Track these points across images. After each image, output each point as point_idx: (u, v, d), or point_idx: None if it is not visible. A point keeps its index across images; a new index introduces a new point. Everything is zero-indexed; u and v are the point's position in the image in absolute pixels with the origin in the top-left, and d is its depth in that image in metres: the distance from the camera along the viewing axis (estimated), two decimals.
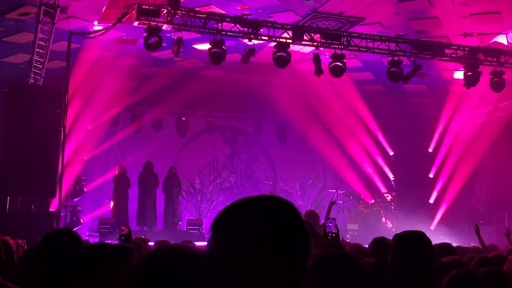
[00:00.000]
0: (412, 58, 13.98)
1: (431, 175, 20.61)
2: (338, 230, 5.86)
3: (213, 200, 20.30)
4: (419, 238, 3.83)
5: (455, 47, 14.08)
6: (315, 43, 13.31)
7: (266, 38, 12.98)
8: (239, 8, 12.71)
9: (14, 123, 12.94)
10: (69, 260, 3.34)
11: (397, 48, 13.77)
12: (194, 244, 8.16)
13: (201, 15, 12.18)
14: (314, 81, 16.86)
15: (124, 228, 5.82)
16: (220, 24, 12.41)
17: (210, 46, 12.59)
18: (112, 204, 17.09)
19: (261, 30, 12.72)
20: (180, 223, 17.58)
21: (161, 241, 7.83)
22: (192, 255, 1.68)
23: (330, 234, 5.76)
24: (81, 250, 3.40)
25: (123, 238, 5.78)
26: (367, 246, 6.53)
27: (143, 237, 9.37)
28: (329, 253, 2.96)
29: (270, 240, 1.49)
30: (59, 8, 11.10)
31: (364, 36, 13.51)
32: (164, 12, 11.77)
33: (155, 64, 16.53)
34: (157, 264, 1.68)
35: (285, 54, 13.06)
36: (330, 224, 5.89)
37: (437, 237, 16.13)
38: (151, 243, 8.88)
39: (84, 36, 13.00)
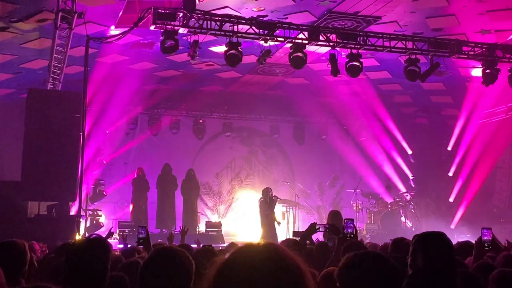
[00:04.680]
0: (429, 56, 13.88)
1: (450, 174, 20.45)
2: (356, 231, 5.85)
3: (232, 202, 20.36)
4: (440, 238, 3.81)
5: (473, 45, 13.94)
6: (331, 43, 13.26)
7: (282, 39, 12.96)
8: (254, 9, 12.72)
9: (33, 128, 13.06)
10: (97, 267, 3.40)
11: (414, 47, 13.67)
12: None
13: (217, 18, 12.20)
14: (331, 81, 16.84)
15: (142, 231, 5.86)
16: (235, 26, 12.43)
17: (226, 48, 12.61)
18: (131, 207, 17.21)
19: (277, 31, 12.70)
20: (199, 225, 17.64)
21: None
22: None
23: (349, 235, 5.74)
24: (109, 257, 3.47)
25: (141, 241, 5.82)
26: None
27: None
28: (364, 252, 2.99)
29: None
30: (76, 14, 11.18)
31: (380, 35, 13.44)
32: (180, 15, 11.81)
33: (172, 67, 16.60)
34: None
35: (301, 55, 13.04)
36: (350, 225, 5.89)
37: (457, 236, 16.03)
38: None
39: (101, 41, 13.09)
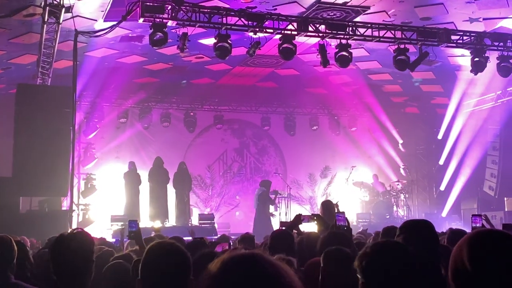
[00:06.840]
0: (418, 46, 13.92)
1: (441, 162, 20.58)
2: (349, 223, 5.82)
3: (224, 194, 20.39)
4: (421, 227, 3.76)
5: (461, 33, 14.00)
6: (320, 34, 13.28)
7: (271, 30, 12.97)
8: (243, 1, 12.70)
9: (23, 124, 13.03)
10: (80, 260, 3.42)
11: (403, 36, 13.71)
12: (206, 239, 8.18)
13: (205, 10, 12.18)
14: (321, 72, 16.86)
15: (133, 225, 5.88)
16: (224, 18, 12.41)
17: (215, 41, 12.60)
18: (123, 201, 17.17)
19: (266, 22, 12.70)
20: (191, 218, 17.65)
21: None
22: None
23: (341, 228, 5.69)
24: (93, 251, 3.49)
25: (132, 235, 5.85)
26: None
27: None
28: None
29: None
30: (64, 8, 11.13)
31: (369, 25, 13.46)
32: (169, 8, 11.78)
33: (162, 60, 16.56)
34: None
35: (290, 46, 13.04)
36: (341, 217, 5.83)
37: (449, 224, 16.15)
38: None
39: (89, 35, 13.04)
